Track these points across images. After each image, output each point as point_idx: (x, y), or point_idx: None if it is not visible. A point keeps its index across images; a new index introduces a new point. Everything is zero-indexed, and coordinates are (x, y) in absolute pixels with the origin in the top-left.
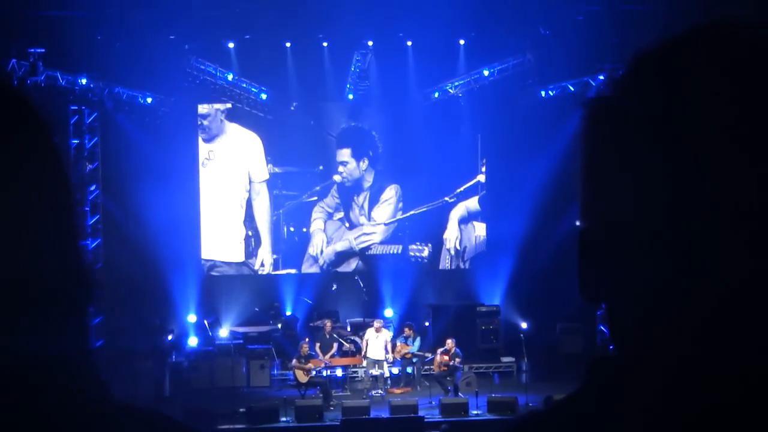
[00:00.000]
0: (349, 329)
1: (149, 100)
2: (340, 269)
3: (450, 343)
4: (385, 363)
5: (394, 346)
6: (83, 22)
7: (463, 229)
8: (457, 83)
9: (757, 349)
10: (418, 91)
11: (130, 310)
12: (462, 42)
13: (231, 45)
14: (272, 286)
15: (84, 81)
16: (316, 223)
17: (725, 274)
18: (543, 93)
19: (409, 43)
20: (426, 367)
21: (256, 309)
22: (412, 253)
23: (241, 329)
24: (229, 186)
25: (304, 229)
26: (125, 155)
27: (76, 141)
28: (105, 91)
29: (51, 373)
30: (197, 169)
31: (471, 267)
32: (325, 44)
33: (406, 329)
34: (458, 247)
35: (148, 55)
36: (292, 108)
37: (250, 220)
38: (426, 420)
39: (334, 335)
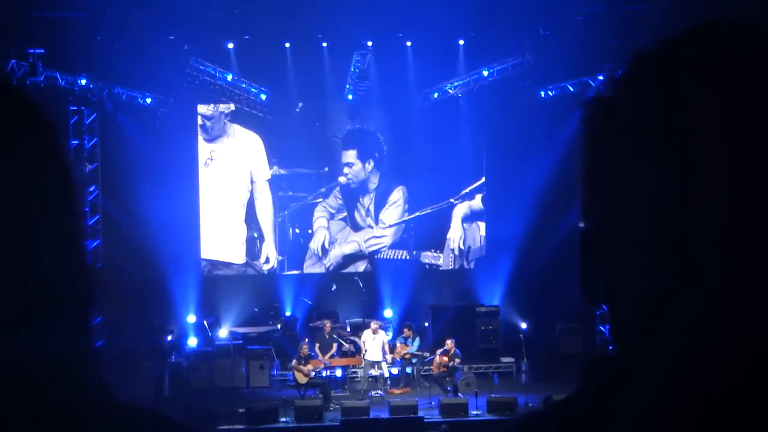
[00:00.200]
0: (348, 330)
1: (149, 100)
2: (347, 270)
3: (449, 343)
4: (384, 364)
5: (393, 347)
6: (83, 23)
7: (467, 229)
8: (456, 83)
9: (756, 348)
10: (417, 92)
11: (130, 310)
12: (461, 42)
13: (230, 45)
14: (272, 287)
15: (83, 81)
16: (319, 222)
17: (725, 274)
18: (542, 93)
19: (409, 44)
20: (425, 367)
21: (256, 309)
22: (426, 261)
23: (240, 330)
24: (231, 186)
25: (310, 231)
26: (125, 156)
27: (75, 141)
28: (104, 91)
29: (53, 373)
30: (197, 170)
31: (455, 264)
32: (324, 45)
33: (406, 330)
34: (462, 247)
35: (148, 56)
36: (298, 110)
37: (252, 220)
38: (425, 420)
39: (334, 336)
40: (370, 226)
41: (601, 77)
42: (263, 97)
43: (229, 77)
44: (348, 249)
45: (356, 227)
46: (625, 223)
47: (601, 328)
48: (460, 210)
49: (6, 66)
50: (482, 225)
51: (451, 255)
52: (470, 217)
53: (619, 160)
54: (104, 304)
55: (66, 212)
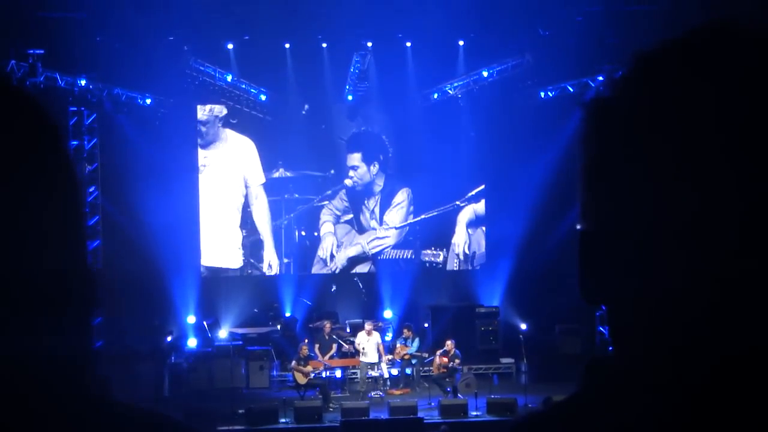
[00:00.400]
0: (348, 330)
1: (148, 101)
2: (352, 271)
3: (449, 344)
4: (383, 365)
5: (393, 348)
6: (82, 24)
7: (472, 234)
8: (456, 84)
9: (755, 350)
10: (417, 92)
11: (130, 311)
12: (461, 43)
13: (230, 46)
14: (271, 288)
15: (83, 82)
16: (326, 226)
17: (724, 275)
18: (542, 94)
19: (409, 44)
20: (425, 368)
21: (256, 310)
22: (426, 259)
23: (240, 330)
24: (226, 192)
25: (316, 233)
26: (124, 156)
27: (75, 142)
28: (104, 92)
29: (53, 374)
30: (197, 170)
31: (460, 266)
32: (324, 45)
33: (405, 330)
34: (467, 252)
35: (147, 56)
36: (304, 112)
37: (249, 225)
38: (425, 421)
39: (334, 336)
40: (374, 228)
41: (600, 78)
42: (263, 97)
43: (229, 78)
44: (353, 252)
45: (361, 230)
46: (624, 224)
47: (601, 328)
48: (465, 215)
49: (6, 66)
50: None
51: (456, 260)
52: (475, 222)
53: (619, 160)
54: (104, 305)
55: (69, 212)
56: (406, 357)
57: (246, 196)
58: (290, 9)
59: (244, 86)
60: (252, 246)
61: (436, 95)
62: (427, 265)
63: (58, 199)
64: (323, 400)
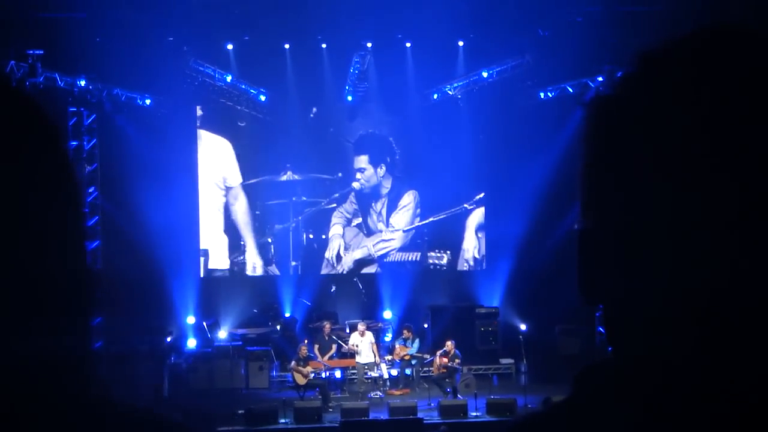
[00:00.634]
0: (347, 331)
1: (148, 101)
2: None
3: (449, 344)
4: (383, 365)
5: (393, 348)
6: (82, 24)
7: (481, 238)
8: (456, 85)
9: (755, 352)
10: (417, 93)
11: (129, 311)
12: (461, 43)
13: (230, 46)
14: (271, 288)
15: (83, 82)
16: (335, 228)
17: (726, 276)
18: (542, 94)
19: (408, 45)
20: (425, 369)
21: (255, 310)
22: (431, 261)
23: (239, 331)
24: (206, 194)
25: (324, 236)
26: (124, 157)
27: (74, 143)
28: (104, 92)
29: (53, 374)
30: (196, 170)
31: (470, 268)
32: (324, 46)
33: (405, 331)
34: (477, 256)
35: (147, 57)
36: (312, 115)
37: (231, 226)
38: (425, 422)
39: (333, 337)
40: (381, 231)
41: (600, 78)
42: (263, 98)
43: (229, 78)
44: (359, 254)
45: (369, 232)
46: (623, 223)
47: (601, 329)
48: (474, 219)
49: (5, 67)
50: None
51: (465, 265)
52: (484, 226)
53: (620, 159)
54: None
55: (69, 213)
56: (406, 357)
57: (226, 197)
58: (290, 9)
59: (243, 87)
60: (233, 248)
61: (435, 96)
62: (431, 267)
63: (57, 199)
64: (323, 401)
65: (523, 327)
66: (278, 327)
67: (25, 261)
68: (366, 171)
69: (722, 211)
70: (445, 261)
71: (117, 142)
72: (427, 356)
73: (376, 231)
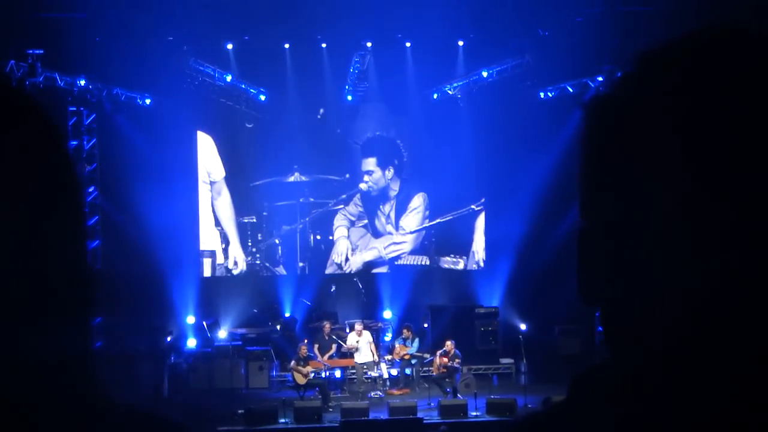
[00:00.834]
0: (347, 331)
1: (148, 101)
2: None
3: (449, 344)
4: (383, 365)
5: (393, 348)
6: (82, 24)
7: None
8: (455, 84)
9: (754, 354)
10: (417, 93)
11: (129, 311)
12: (461, 43)
13: (230, 46)
14: (271, 288)
15: (82, 82)
16: (340, 230)
17: (725, 277)
18: (542, 94)
19: (408, 45)
20: (425, 368)
21: (255, 310)
22: (446, 266)
23: (239, 330)
24: (205, 193)
25: (331, 237)
26: (124, 156)
27: (74, 142)
28: (103, 92)
29: (52, 374)
30: (196, 170)
31: (463, 268)
32: (323, 45)
33: (405, 331)
34: (485, 258)
35: (147, 57)
36: (319, 117)
37: (218, 222)
38: (425, 421)
39: (333, 336)
40: (390, 233)
41: (600, 78)
42: (262, 98)
43: (229, 78)
44: (369, 256)
45: (377, 234)
46: (622, 224)
47: (601, 329)
48: (482, 220)
49: (5, 67)
50: None
51: (475, 266)
52: (484, 226)
53: (618, 158)
54: (103, 305)
55: (70, 213)
56: (406, 357)
57: (211, 192)
58: (290, 9)
59: (243, 86)
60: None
61: (435, 96)
62: (453, 274)
63: (58, 199)
64: (323, 401)
65: (523, 327)
66: (278, 327)
67: (26, 261)
68: (374, 173)
69: (722, 211)
70: (461, 266)
71: (117, 142)
72: (427, 355)
73: (384, 233)
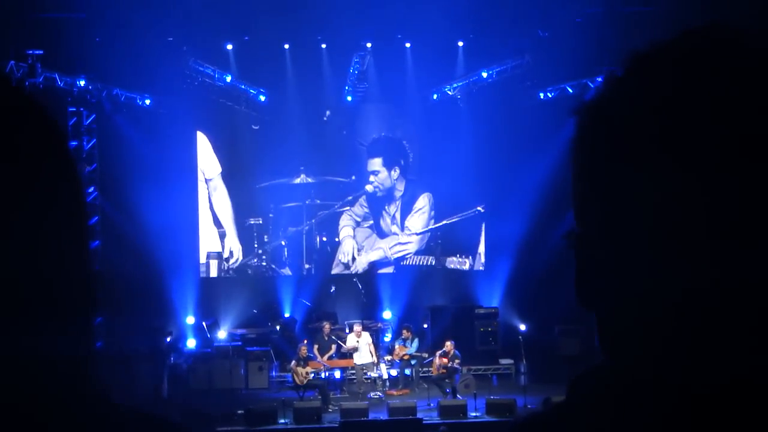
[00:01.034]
0: (347, 331)
1: (147, 101)
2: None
3: (449, 345)
4: (383, 365)
5: (392, 348)
6: (81, 24)
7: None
8: (455, 85)
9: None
10: (416, 93)
11: (129, 311)
12: (460, 44)
13: (229, 47)
14: (271, 288)
15: (82, 83)
16: (345, 230)
17: (721, 280)
18: (541, 95)
19: (408, 45)
20: (424, 369)
21: (255, 311)
22: (452, 266)
23: (239, 331)
24: (205, 193)
25: (337, 239)
26: (123, 157)
27: (74, 143)
28: (103, 92)
29: (54, 375)
30: (195, 170)
31: (469, 268)
32: (323, 46)
33: (404, 331)
34: (486, 259)
35: (147, 57)
36: (325, 118)
37: (217, 219)
38: (425, 422)
39: (333, 337)
40: (395, 233)
41: (600, 79)
42: (262, 98)
43: (228, 78)
44: (374, 256)
45: (382, 235)
46: (616, 227)
47: None
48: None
49: (5, 67)
50: None
51: (481, 267)
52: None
53: (611, 162)
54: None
55: (71, 213)
56: (406, 357)
57: (208, 189)
58: (290, 9)
59: (243, 87)
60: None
61: (435, 96)
62: (453, 274)
63: (60, 199)
64: (322, 401)
65: (522, 327)
66: (278, 327)
67: (28, 260)
68: (380, 174)
69: (717, 215)
70: (467, 266)
71: (116, 142)
72: (426, 356)
73: (389, 233)
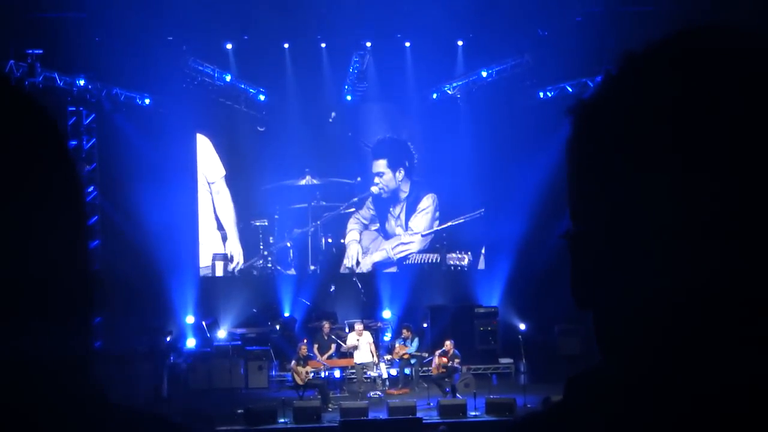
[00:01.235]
0: (347, 331)
1: (147, 101)
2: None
3: (449, 344)
4: (383, 365)
5: (392, 348)
6: (81, 23)
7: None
8: (455, 84)
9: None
10: (416, 92)
11: (128, 311)
12: (460, 43)
13: (229, 46)
14: (270, 288)
15: (82, 82)
16: (352, 234)
17: (718, 279)
18: (541, 94)
19: (408, 44)
20: (424, 368)
21: (254, 310)
22: (451, 262)
23: (239, 330)
24: (205, 193)
25: (342, 240)
26: (123, 156)
27: (73, 142)
28: (103, 92)
29: (54, 375)
30: (195, 170)
31: (469, 269)
32: (323, 45)
33: (404, 330)
34: (486, 258)
35: (146, 56)
36: (331, 120)
37: (220, 223)
38: (424, 421)
39: (333, 336)
40: (399, 235)
41: (599, 78)
42: (262, 98)
43: (228, 78)
44: (378, 257)
45: (387, 237)
46: (611, 227)
47: None
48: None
49: (5, 66)
50: None
51: (482, 265)
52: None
53: (607, 161)
54: (102, 305)
55: (71, 212)
56: (405, 357)
57: (210, 193)
58: (289, 9)
59: (243, 86)
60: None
61: (435, 95)
62: (452, 269)
63: (59, 199)
64: (322, 400)
65: (522, 327)
66: (277, 327)
67: (28, 260)
68: (384, 175)
69: (712, 214)
70: (466, 262)
71: (116, 142)
72: (426, 355)
73: (394, 235)
